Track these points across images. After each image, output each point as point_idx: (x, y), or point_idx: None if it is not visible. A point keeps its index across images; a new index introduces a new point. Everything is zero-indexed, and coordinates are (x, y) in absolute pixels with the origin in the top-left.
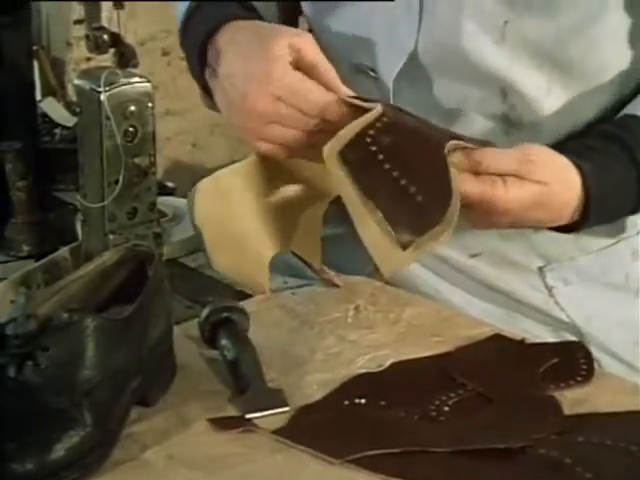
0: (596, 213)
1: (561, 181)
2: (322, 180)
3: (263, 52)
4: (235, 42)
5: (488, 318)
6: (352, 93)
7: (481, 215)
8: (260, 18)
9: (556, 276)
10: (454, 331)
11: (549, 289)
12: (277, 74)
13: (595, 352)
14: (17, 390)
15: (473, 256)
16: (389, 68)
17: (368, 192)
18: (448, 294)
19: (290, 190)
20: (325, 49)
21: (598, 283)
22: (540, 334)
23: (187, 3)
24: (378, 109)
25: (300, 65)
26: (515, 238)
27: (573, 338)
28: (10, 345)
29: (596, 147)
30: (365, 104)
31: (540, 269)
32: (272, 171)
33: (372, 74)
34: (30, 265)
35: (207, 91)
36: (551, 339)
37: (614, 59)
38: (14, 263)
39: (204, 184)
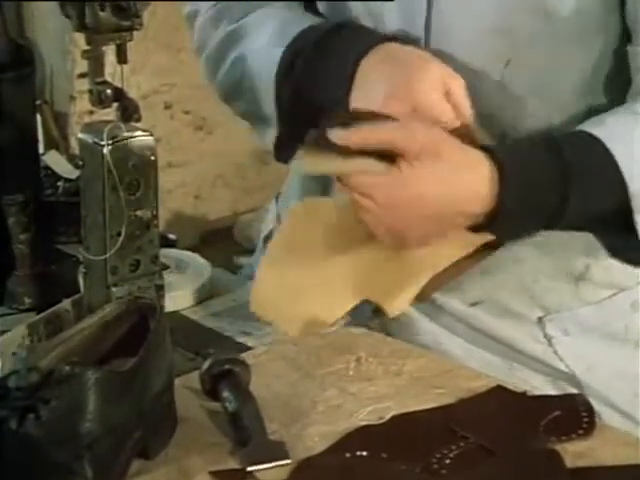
0: (515, 198)
1: (463, 160)
2: None
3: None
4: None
5: (488, 367)
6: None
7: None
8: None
9: (556, 326)
10: (456, 383)
11: (548, 339)
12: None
13: (595, 404)
14: (18, 443)
15: (472, 305)
16: None
17: None
18: (448, 343)
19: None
20: None
21: (598, 334)
22: (539, 384)
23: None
24: None
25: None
26: (515, 288)
27: (572, 389)
28: (12, 397)
29: (520, 141)
30: None
31: (540, 319)
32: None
33: None
34: (32, 318)
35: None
36: (550, 389)
37: None
38: (16, 316)
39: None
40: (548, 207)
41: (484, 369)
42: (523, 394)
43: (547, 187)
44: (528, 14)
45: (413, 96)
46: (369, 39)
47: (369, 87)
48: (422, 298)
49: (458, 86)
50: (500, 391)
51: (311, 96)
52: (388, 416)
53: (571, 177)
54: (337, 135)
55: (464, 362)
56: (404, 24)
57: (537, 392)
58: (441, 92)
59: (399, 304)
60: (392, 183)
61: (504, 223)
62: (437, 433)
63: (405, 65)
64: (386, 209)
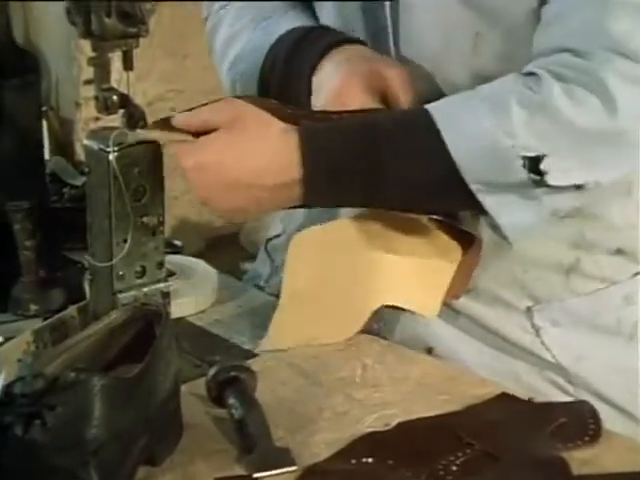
0: (317, 164)
1: (259, 133)
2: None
3: None
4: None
5: (478, 356)
6: None
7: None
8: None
9: (544, 317)
10: (461, 390)
11: (536, 329)
12: None
13: (585, 396)
14: (24, 449)
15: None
16: None
17: None
18: (440, 330)
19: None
20: None
21: (588, 325)
22: (526, 374)
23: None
24: None
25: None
26: (505, 277)
27: (559, 378)
28: (17, 404)
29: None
30: None
31: (528, 309)
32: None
33: None
34: (37, 324)
35: None
36: (537, 379)
37: None
38: (21, 322)
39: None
40: (358, 171)
41: (475, 357)
42: (529, 401)
43: (353, 153)
44: None
45: (342, 101)
46: (331, 41)
47: (318, 90)
48: (452, 295)
49: (397, 85)
50: (506, 398)
51: (287, 99)
52: (394, 423)
53: (382, 143)
54: (173, 119)
55: (452, 348)
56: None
57: (524, 382)
58: (371, 94)
59: (434, 305)
60: (192, 148)
61: (310, 190)
62: (443, 440)
63: (347, 68)
64: (191, 172)
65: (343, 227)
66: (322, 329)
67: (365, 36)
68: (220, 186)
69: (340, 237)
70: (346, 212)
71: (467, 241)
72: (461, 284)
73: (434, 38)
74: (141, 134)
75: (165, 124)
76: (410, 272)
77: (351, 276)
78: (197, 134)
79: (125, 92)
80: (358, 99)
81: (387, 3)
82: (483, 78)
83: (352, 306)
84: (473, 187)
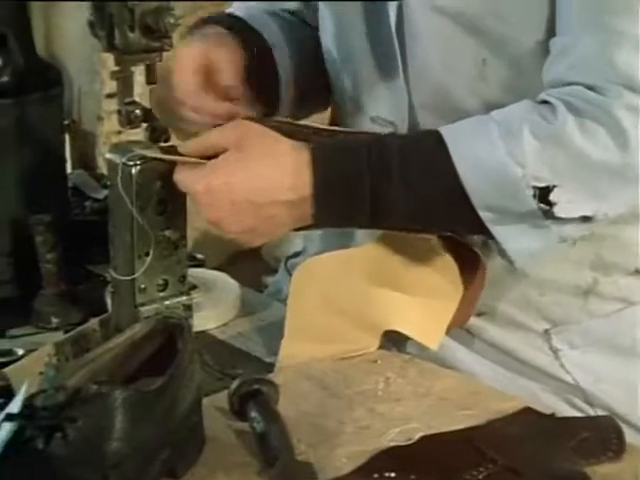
0: (323, 183)
1: (266, 151)
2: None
3: None
4: None
5: (493, 378)
6: None
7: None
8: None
9: (562, 339)
10: (484, 405)
11: (554, 351)
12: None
13: None
14: (45, 462)
15: (478, 315)
16: (400, 118)
17: None
18: (454, 350)
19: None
20: (346, 105)
21: (605, 347)
22: (544, 395)
23: None
24: None
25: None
26: (520, 300)
27: (578, 400)
28: (38, 417)
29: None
30: None
31: (546, 331)
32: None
33: (390, 126)
34: (59, 337)
35: None
36: (555, 400)
37: None
38: (43, 335)
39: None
40: (366, 190)
41: (489, 379)
42: (551, 416)
43: (362, 171)
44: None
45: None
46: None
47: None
48: (457, 324)
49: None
50: (528, 413)
51: None
52: (416, 437)
53: (390, 162)
54: (181, 146)
55: (468, 370)
56: (372, 32)
57: (542, 403)
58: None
59: (437, 336)
60: (202, 171)
61: (319, 208)
62: (466, 455)
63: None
64: (201, 195)
65: (348, 257)
66: (328, 352)
67: (372, 61)
68: (230, 207)
69: (345, 267)
70: (361, 235)
71: (473, 266)
72: (465, 314)
73: (440, 64)
74: (156, 155)
75: (171, 151)
76: (413, 306)
77: (354, 305)
78: (206, 158)
79: (148, 106)
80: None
81: (394, 30)
82: (491, 105)
83: (356, 331)
84: (480, 211)
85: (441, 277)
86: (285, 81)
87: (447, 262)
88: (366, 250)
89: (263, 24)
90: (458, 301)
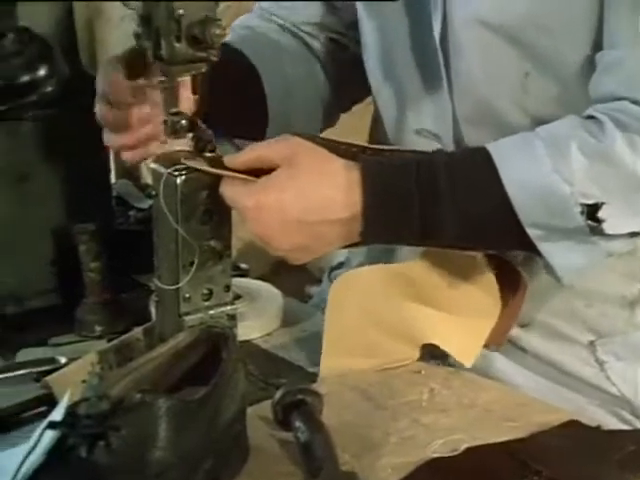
0: (374, 202)
1: (318, 169)
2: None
3: None
4: None
5: (536, 390)
6: None
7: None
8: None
9: (607, 350)
10: (529, 417)
11: (600, 363)
12: None
13: None
14: (87, 470)
15: (522, 326)
16: (445, 131)
17: None
18: (498, 362)
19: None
20: (389, 118)
21: None
22: (589, 407)
23: None
24: None
25: None
26: (566, 312)
27: (624, 412)
28: (81, 425)
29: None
30: None
31: (591, 343)
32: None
33: (434, 138)
34: (102, 345)
35: None
36: (600, 412)
37: None
38: (86, 343)
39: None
40: (415, 208)
41: (532, 391)
42: (597, 428)
43: (411, 189)
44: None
45: None
46: None
47: None
48: (493, 342)
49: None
50: (574, 425)
51: None
52: (461, 448)
53: (438, 180)
54: (226, 159)
55: (511, 381)
56: (417, 45)
57: (587, 415)
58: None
59: (472, 353)
60: (252, 189)
61: (369, 226)
62: (510, 466)
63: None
64: (252, 211)
65: (388, 272)
66: (366, 365)
67: (417, 74)
68: (280, 224)
69: (384, 282)
70: (403, 250)
71: (513, 284)
72: (502, 333)
73: (483, 76)
74: (202, 168)
75: (216, 163)
76: (450, 322)
77: (392, 318)
78: (253, 171)
79: (193, 116)
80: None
81: (438, 43)
82: (535, 118)
83: (394, 344)
84: (528, 228)
85: (481, 295)
86: (273, 98)
87: (488, 280)
88: (406, 267)
89: (251, 42)
90: (495, 319)
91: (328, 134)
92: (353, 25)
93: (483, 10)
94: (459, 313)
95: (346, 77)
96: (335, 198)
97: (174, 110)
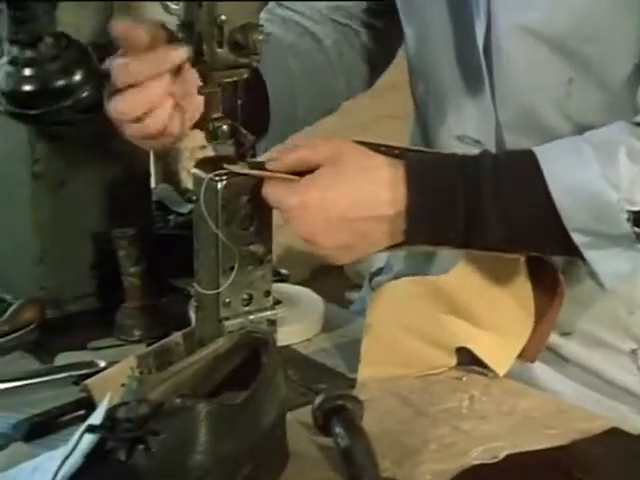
0: (419, 199)
1: (362, 166)
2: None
3: None
4: None
5: (576, 398)
6: None
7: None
8: None
9: None
10: (570, 424)
11: None
12: None
13: None
14: (126, 474)
15: (564, 334)
16: (487, 137)
17: None
18: (538, 370)
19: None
20: (429, 123)
21: None
22: (631, 416)
23: None
24: None
25: None
26: (608, 320)
27: None
28: (121, 429)
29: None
30: None
31: (633, 351)
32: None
33: (476, 144)
34: (140, 350)
35: None
36: None
37: None
38: (124, 347)
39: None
40: (459, 208)
41: (573, 399)
42: (639, 437)
43: (455, 189)
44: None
45: None
46: None
47: None
48: (529, 354)
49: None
50: (615, 433)
51: None
52: (501, 455)
53: (483, 180)
54: (268, 163)
55: (551, 390)
56: (460, 52)
57: (629, 424)
58: None
59: (506, 364)
60: (296, 188)
61: (414, 223)
62: (551, 474)
63: None
64: (295, 211)
65: (426, 284)
66: (403, 368)
67: (460, 80)
68: (325, 222)
69: (422, 294)
70: (441, 260)
71: (550, 293)
72: (538, 344)
73: (526, 83)
74: (245, 171)
75: (257, 168)
76: (486, 333)
77: (429, 328)
78: (296, 174)
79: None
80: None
81: (481, 49)
82: (579, 125)
83: (431, 352)
84: (572, 233)
85: (517, 308)
86: (274, 94)
87: (525, 291)
88: (442, 279)
89: None
90: (530, 331)
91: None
92: (367, 10)
93: (530, 19)
94: (494, 325)
95: (354, 64)
96: (380, 195)
97: (216, 115)
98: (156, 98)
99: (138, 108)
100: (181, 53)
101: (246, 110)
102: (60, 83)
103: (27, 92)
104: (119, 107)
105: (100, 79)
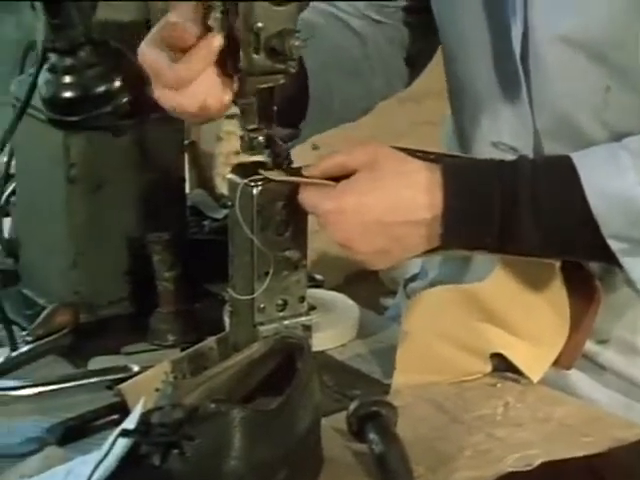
0: (456, 203)
1: (399, 170)
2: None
3: None
4: None
5: (611, 406)
6: None
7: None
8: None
9: None
10: (606, 432)
11: None
12: None
13: None
14: (161, 478)
15: (600, 342)
16: (524, 145)
17: None
18: (573, 377)
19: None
20: (465, 129)
21: None
22: None
23: None
24: None
25: None
26: None
27: None
28: (155, 433)
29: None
30: None
31: None
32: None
33: (512, 152)
34: (174, 354)
35: None
36: None
37: None
38: (158, 352)
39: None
40: (495, 212)
41: (607, 407)
42: None
43: (492, 193)
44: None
45: None
46: None
47: None
48: (565, 361)
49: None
50: None
51: None
52: (536, 463)
53: (519, 185)
54: (305, 169)
55: (586, 397)
56: (497, 60)
57: None
58: None
59: (539, 369)
60: (333, 193)
61: (450, 227)
62: None
63: None
64: (331, 215)
65: (461, 292)
66: (438, 375)
67: (497, 87)
68: (361, 227)
69: (458, 302)
70: (477, 265)
71: (586, 300)
72: (574, 351)
73: (563, 91)
74: (281, 178)
75: (294, 174)
76: (521, 341)
77: (464, 336)
78: (332, 180)
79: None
80: None
81: (518, 58)
82: (615, 132)
83: (466, 358)
84: (608, 239)
85: (552, 315)
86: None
87: (560, 299)
88: (477, 288)
89: None
90: (565, 338)
91: None
92: (406, 9)
93: (566, 27)
94: (529, 333)
95: (393, 62)
96: (416, 199)
97: (252, 127)
98: (208, 91)
99: (195, 105)
100: (218, 40)
101: (286, 95)
102: (100, 89)
103: (67, 99)
104: (177, 110)
105: (140, 82)
